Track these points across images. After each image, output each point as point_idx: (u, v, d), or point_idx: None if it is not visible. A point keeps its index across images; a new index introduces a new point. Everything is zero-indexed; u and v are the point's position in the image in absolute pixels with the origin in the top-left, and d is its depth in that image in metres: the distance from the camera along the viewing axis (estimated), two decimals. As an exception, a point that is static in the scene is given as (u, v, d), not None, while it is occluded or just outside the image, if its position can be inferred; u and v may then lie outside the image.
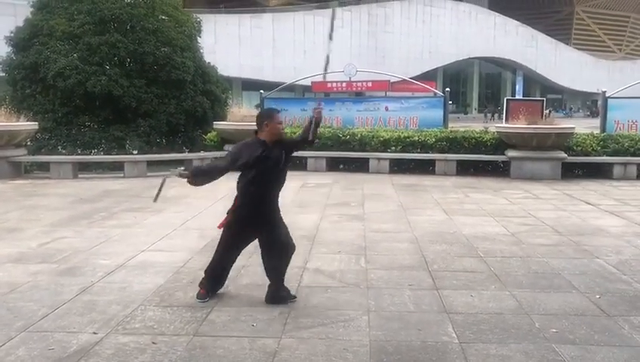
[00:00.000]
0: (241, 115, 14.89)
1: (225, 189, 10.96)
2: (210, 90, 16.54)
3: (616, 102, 15.96)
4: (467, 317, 4.51)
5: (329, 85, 18.23)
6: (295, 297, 4.92)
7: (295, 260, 6.04)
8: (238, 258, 6.12)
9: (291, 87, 29.38)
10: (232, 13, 45.65)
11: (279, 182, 4.86)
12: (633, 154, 13.47)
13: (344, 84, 17.45)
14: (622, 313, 4.58)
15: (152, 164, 13.66)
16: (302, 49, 47.80)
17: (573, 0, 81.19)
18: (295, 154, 14.35)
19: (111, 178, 12.97)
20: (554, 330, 4.22)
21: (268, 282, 5.38)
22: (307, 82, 18.77)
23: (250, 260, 6.10)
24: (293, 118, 16.79)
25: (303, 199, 10.26)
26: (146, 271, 5.70)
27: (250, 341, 4.05)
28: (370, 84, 18.46)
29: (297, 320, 4.43)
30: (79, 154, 14.15)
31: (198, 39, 17.16)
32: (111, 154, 14.15)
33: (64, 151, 14.36)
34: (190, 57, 15.92)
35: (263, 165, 4.60)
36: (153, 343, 4.00)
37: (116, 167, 13.70)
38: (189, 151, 15.11)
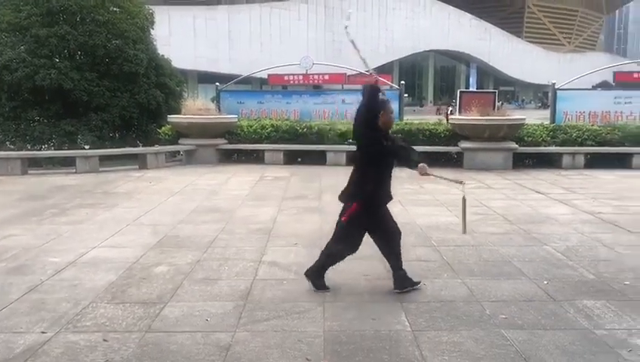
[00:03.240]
0: (196, 108, 14.70)
1: (180, 185, 10.90)
2: (164, 83, 16.26)
3: (565, 94, 16.42)
4: (420, 305, 4.59)
5: (285, 78, 18.19)
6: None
7: (250, 253, 6.08)
8: (193, 253, 6.13)
9: (248, 80, 29.16)
10: (187, 5, 44.97)
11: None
12: (581, 144, 13.91)
13: (301, 77, 17.46)
14: (567, 297, 4.74)
15: (104, 159, 13.38)
16: (259, 41, 47.51)
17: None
18: (251, 146, 14.36)
19: (62, 174, 12.63)
20: (503, 316, 4.34)
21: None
22: (264, 75, 18.64)
23: (204, 255, 6.06)
24: (250, 111, 16.70)
25: (260, 192, 10.22)
26: (97, 268, 5.59)
27: (204, 335, 4.03)
28: (326, 77, 18.50)
29: (252, 314, 4.43)
30: (29, 150, 13.73)
31: (152, 31, 16.82)
32: (62, 150, 13.77)
33: (12, 147, 13.90)
34: (143, 50, 15.60)
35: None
36: (104, 340, 3.93)
37: (68, 163, 13.35)
38: (142, 146, 14.83)
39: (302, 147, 14.43)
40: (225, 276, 5.37)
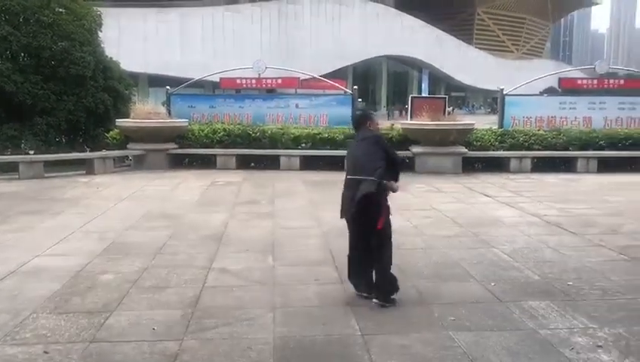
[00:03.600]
0: (145, 111, 14.41)
1: (128, 191, 10.65)
2: (112, 87, 15.90)
3: (513, 100, 16.83)
4: (370, 309, 4.60)
5: (238, 81, 17.94)
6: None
7: (200, 260, 5.98)
8: (141, 260, 5.99)
9: (200, 84, 28.80)
10: (137, 7, 44.16)
11: None
12: (528, 149, 14.29)
13: (253, 81, 17.26)
14: (514, 299, 4.84)
15: (50, 165, 12.94)
16: (211, 45, 47.10)
17: (474, 1, 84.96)
18: (203, 151, 14.10)
19: (4, 180, 12.15)
20: (452, 318, 4.39)
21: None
22: (217, 78, 18.44)
23: (153, 262, 5.94)
24: (201, 115, 16.47)
25: (211, 198, 10.10)
26: (40, 277, 5.39)
27: (151, 345, 3.93)
28: (279, 81, 18.36)
29: (201, 322, 4.35)
30: (-33, 155, 13.18)
31: (99, 33, 16.42)
32: (4, 155, 13.26)
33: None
34: (90, 52, 15.21)
35: None
36: (45, 352, 3.79)
37: (11, 168, 12.86)
38: (90, 150, 14.43)
39: (255, 151, 14.34)
40: (174, 283, 5.26)
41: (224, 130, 14.60)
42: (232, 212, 8.72)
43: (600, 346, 3.89)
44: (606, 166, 14.11)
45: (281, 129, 14.80)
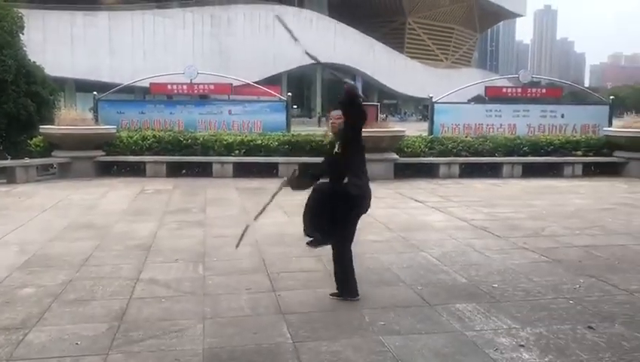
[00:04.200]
0: (71, 118, 13.90)
1: (52, 200, 10.22)
2: (35, 92, 15.26)
3: (442, 107, 17.33)
4: (302, 316, 4.59)
5: (169, 87, 17.62)
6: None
7: (128, 271, 5.80)
8: (65, 273, 5.75)
9: (131, 89, 28.05)
10: (64, 10, 42.61)
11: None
12: (456, 155, 14.73)
13: (185, 87, 16.99)
14: (442, 302, 4.95)
15: (-33, 173, 12.29)
16: (142, 49, 46.05)
17: (405, 11, 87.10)
18: (132, 158, 13.73)
19: None
20: (382, 323, 4.44)
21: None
22: (147, 84, 18.05)
23: (77, 274, 5.71)
24: (131, 122, 16.05)
25: (140, 206, 9.83)
26: (-48, 294, 5.07)
27: (73, 360, 3.77)
28: (212, 87, 18.14)
29: (127, 334, 4.21)
30: None
31: (21, 36, 15.74)
32: None
33: None
34: (11, 55, 14.55)
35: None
36: (-44, 374, 3.56)
37: None
38: (11, 158, 13.77)
39: (186, 159, 14.09)
40: (99, 296, 5.08)
41: (154, 136, 14.28)
42: (162, 221, 8.51)
43: (522, 346, 4.03)
44: (530, 171, 14.74)
45: (213, 135, 14.62)
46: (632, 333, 4.25)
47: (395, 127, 15.43)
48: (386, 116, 47.15)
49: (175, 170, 14.13)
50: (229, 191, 11.65)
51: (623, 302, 4.99)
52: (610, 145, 15.51)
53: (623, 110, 19.47)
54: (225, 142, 14.12)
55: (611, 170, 15.27)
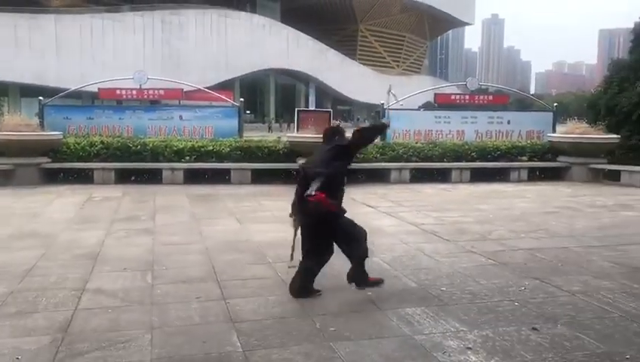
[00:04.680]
0: (14, 123, 13.42)
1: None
2: (-24, 96, 14.69)
3: (393, 114, 17.55)
4: (252, 324, 4.56)
5: (118, 92, 17.27)
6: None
7: (73, 281, 5.65)
8: (6, 284, 5.55)
9: (78, 94, 27.39)
10: (6, 12, 41.22)
11: None
12: (407, 160, 14.94)
13: (134, 92, 16.68)
14: (392, 306, 5.00)
15: None
16: (90, 54, 44.98)
17: (357, 18, 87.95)
18: (79, 165, 13.43)
19: None
20: (332, 329, 4.45)
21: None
22: (96, 89, 17.66)
23: (20, 285, 5.53)
24: (78, 127, 15.66)
25: (88, 214, 9.58)
26: None
27: (13, 376, 3.63)
28: (162, 92, 17.86)
29: (72, 347, 4.08)
30: None
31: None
32: None
33: None
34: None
35: None
36: None
37: None
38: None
39: (135, 165, 13.81)
40: (42, 308, 4.91)
41: (102, 142, 13.96)
42: (110, 229, 8.32)
43: (469, 348, 4.11)
44: (478, 176, 15.08)
45: (163, 141, 14.39)
46: (574, 333, 4.39)
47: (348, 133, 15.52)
48: (340, 122, 47.48)
49: (124, 177, 13.83)
50: (180, 198, 11.48)
51: (565, 303, 5.16)
52: (554, 150, 16.04)
53: (567, 116, 20.17)
54: (175, 148, 13.92)
55: (555, 175, 15.79)
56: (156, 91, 17.52)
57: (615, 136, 15.84)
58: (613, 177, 15.32)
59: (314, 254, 5.24)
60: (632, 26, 18.68)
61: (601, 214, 10.27)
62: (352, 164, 13.87)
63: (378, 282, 5.38)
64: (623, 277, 5.96)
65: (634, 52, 18.08)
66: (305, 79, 74.15)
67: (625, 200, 12.07)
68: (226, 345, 4.14)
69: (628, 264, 6.56)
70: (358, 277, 5.25)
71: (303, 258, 5.28)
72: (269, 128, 53.84)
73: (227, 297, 5.21)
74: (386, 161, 14.80)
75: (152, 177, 13.87)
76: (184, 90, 18.06)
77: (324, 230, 5.18)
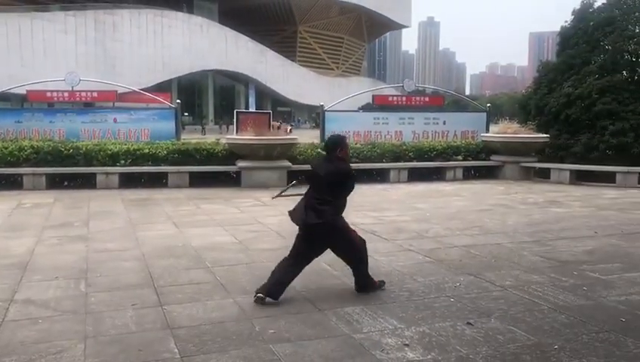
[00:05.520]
0: None
1: None
2: None
3: (333, 115, 17.71)
4: (190, 330, 4.48)
5: (48, 95, 16.65)
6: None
7: (0, 292, 5.39)
8: None
9: (6, 97, 26.15)
10: None
11: None
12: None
13: (66, 94, 16.11)
14: (332, 306, 5.03)
15: None
16: (18, 55, 43.17)
17: (296, 20, 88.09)
18: (7, 170, 12.91)
19: None
20: (272, 331, 4.44)
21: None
22: (24, 91, 16.92)
23: (-60, 298, 5.22)
24: (6, 131, 15.00)
25: (17, 222, 9.19)
26: None
27: None
28: (95, 94, 17.32)
29: (-2, 361, 3.90)
30: None
31: None
32: None
33: None
34: None
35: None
36: None
37: None
38: None
39: (68, 170, 13.35)
40: (-35, 321, 4.67)
41: (32, 147, 13.42)
42: (41, 236, 8.00)
43: (407, 345, 4.18)
44: (415, 175, 15.42)
45: (97, 145, 13.99)
46: (506, 327, 4.54)
47: (287, 134, 15.53)
48: (281, 123, 47.45)
49: (56, 182, 13.36)
50: (115, 203, 11.18)
51: (498, 297, 5.33)
52: (488, 149, 16.58)
53: (500, 116, 20.88)
54: (110, 152, 13.55)
55: (489, 173, 16.33)
56: (89, 93, 16.99)
57: (545, 135, 16.52)
58: (544, 175, 15.99)
59: (299, 262, 5.30)
60: (559, 29, 19.48)
61: (532, 211, 10.69)
62: (293, 166, 13.94)
63: (381, 284, 5.54)
64: (551, 271, 6.22)
65: (561, 55, 18.86)
66: (244, 80, 73.62)
67: (554, 196, 12.60)
68: (163, 352, 4.05)
69: (556, 258, 6.85)
70: (365, 284, 5.39)
71: (288, 260, 5.31)
72: (203, 130, 52.93)
73: (164, 303, 5.11)
74: (325, 162, 14.84)
75: (86, 182, 13.45)
76: (119, 91, 17.56)
77: (326, 242, 5.35)
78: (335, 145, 5.39)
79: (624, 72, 17.29)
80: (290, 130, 27.38)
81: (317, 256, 5.44)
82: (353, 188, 5.45)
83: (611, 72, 16.80)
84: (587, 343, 4.21)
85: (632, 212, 10.55)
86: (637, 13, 17.59)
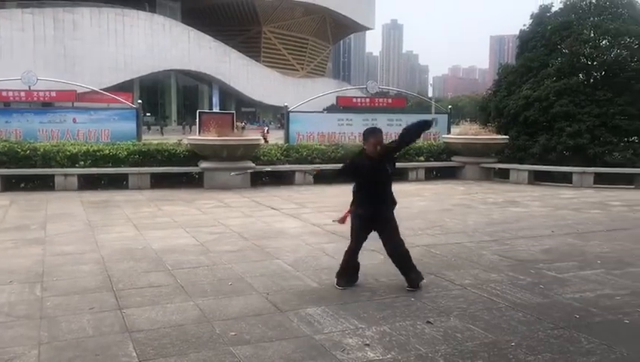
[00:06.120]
0: None
1: None
2: None
3: (297, 116, 17.72)
4: (149, 333, 4.41)
5: (4, 94, 16.19)
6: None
7: (-52, 298, 5.21)
8: None
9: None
10: None
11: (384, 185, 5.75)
12: (311, 162, 15.08)
13: (23, 94, 15.73)
14: (293, 307, 5.03)
15: None
16: (-27, 53, 41.87)
17: (260, 20, 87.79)
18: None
19: None
20: (232, 333, 4.40)
21: None
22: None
23: None
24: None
25: (-31, 225, 8.90)
26: None
27: None
28: (54, 94, 16.94)
29: (-55, 370, 3.77)
30: None
31: None
32: None
33: None
34: None
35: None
36: None
37: None
38: None
39: (24, 171, 13.01)
40: None
41: (-14, 148, 13.03)
42: (-5, 240, 7.77)
43: (368, 344, 4.20)
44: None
45: (55, 146, 13.67)
46: (465, 325, 4.61)
47: (250, 135, 15.47)
48: (245, 124, 47.25)
49: (12, 184, 13.01)
50: (74, 205, 10.94)
51: (457, 296, 5.41)
52: (449, 150, 16.82)
53: (461, 118, 21.21)
54: (68, 153, 13.25)
55: (450, 174, 16.57)
56: (47, 93, 16.63)
57: (504, 136, 16.85)
58: (503, 175, 16.31)
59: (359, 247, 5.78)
60: (518, 32, 19.91)
61: (492, 210, 10.89)
62: (257, 167, 13.90)
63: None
64: (509, 270, 6.35)
65: (520, 58, 19.28)
66: (208, 80, 73.03)
67: (513, 196, 12.86)
68: (121, 356, 3.98)
69: (514, 257, 6.99)
70: (416, 276, 5.61)
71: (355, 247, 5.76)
72: (161, 130, 52.14)
73: (123, 307, 5.02)
74: (290, 163, 14.87)
75: (44, 184, 13.13)
76: (78, 91, 17.23)
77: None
78: (363, 138, 5.71)
79: (580, 75, 17.77)
80: (243, 127, 27.25)
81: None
82: (351, 180, 6.03)
83: (568, 75, 17.25)
84: (542, 340, 4.31)
85: (588, 211, 10.84)
86: (592, 18, 18.09)
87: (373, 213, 5.65)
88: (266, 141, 22.14)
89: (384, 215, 5.69)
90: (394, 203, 5.81)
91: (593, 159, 15.85)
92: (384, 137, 5.76)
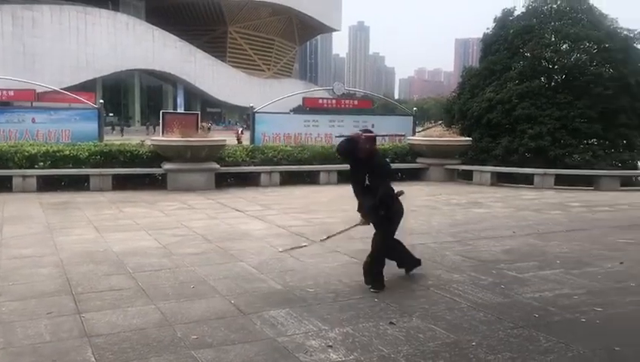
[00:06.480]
0: None
1: None
2: None
3: (263, 117, 17.64)
4: (109, 337, 4.32)
5: (-43, 94, 15.78)
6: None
7: None
8: None
9: None
10: None
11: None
12: (277, 164, 15.05)
13: (-22, 93, 15.32)
14: (256, 310, 4.99)
15: None
16: None
17: (226, 20, 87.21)
18: None
19: None
20: (194, 337, 4.35)
21: None
22: None
23: None
24: None
25: None
26: None
27: None
28: (12, 93, 16.51)
29: None
30: None
31: None
32: None
33: None
34: None
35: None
36: None
37: None
38: None
39: (-19, 173, 12.63)
40: None
41: (-60, 148, 12.61)
42: (-52, 243, 7.52)
43: (330, 346, 4.20)
44: (345, 178, 15.49)
45: (13, 146, 13.32)
46: (427, 325, 4.65)
47: (215, 136, 15.34)
48: (211, 125, 46.83)
49: (-33, 186, 12.61)
50: (32, 207, 10.67)
51: (420, 296, 5.46)
52: (414, 152, 16.98)
53: (426, 120, 21.47)
54: (27, 154, 12.91)
55: (415, 175, 16.72)
56: (5, 92, 16.19)
57: (467, 138, 17.10)
58: (467, 176, 16.54)
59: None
60: (482, 36, 20.26)
61: (456, 211, 11.02)
62: (221, 169, 13.78)
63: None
64: (472, 270, 6.43)
65: (483, 61, 19.61)
66: (172, 80, 72.21)
67: (476, 198, 13.06)
68: (79, 362, 3.90)
69: (476, 257, 7.09)
70: (411, 260, 6.23)
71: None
72: (121, 131, 51.29)
73: (82, 311, 4.90)
74: (256, 165, 14.80)
75: (1, 185, 12.76)
76: (38, 91, 16.81)
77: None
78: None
79: (542, 78, 18.17)
80: (209, 128, 26.98)
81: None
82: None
83: (530, 78, 17.63)
84: (503, 339, 4.37)
85: (548, 212, 11.07)
86: (553, 23, 18.52)
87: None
88: (240, 142, 22.03)
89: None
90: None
91: (554, 161, 16.22)
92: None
